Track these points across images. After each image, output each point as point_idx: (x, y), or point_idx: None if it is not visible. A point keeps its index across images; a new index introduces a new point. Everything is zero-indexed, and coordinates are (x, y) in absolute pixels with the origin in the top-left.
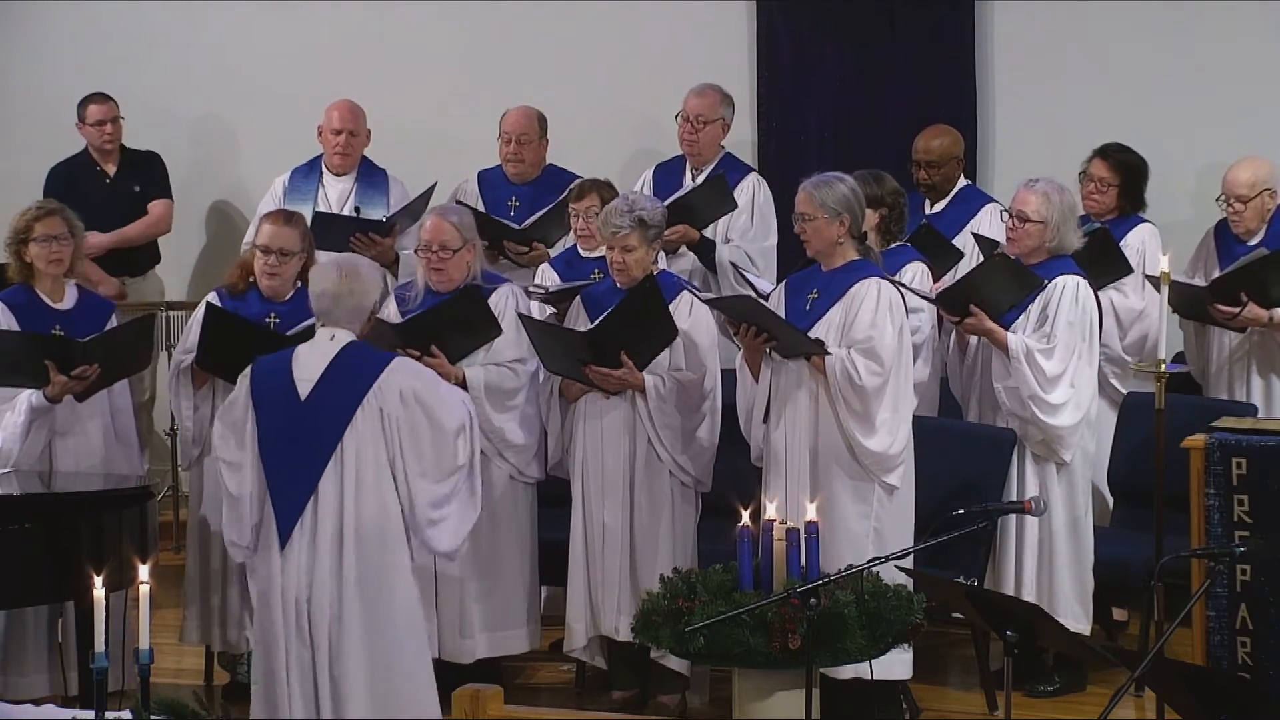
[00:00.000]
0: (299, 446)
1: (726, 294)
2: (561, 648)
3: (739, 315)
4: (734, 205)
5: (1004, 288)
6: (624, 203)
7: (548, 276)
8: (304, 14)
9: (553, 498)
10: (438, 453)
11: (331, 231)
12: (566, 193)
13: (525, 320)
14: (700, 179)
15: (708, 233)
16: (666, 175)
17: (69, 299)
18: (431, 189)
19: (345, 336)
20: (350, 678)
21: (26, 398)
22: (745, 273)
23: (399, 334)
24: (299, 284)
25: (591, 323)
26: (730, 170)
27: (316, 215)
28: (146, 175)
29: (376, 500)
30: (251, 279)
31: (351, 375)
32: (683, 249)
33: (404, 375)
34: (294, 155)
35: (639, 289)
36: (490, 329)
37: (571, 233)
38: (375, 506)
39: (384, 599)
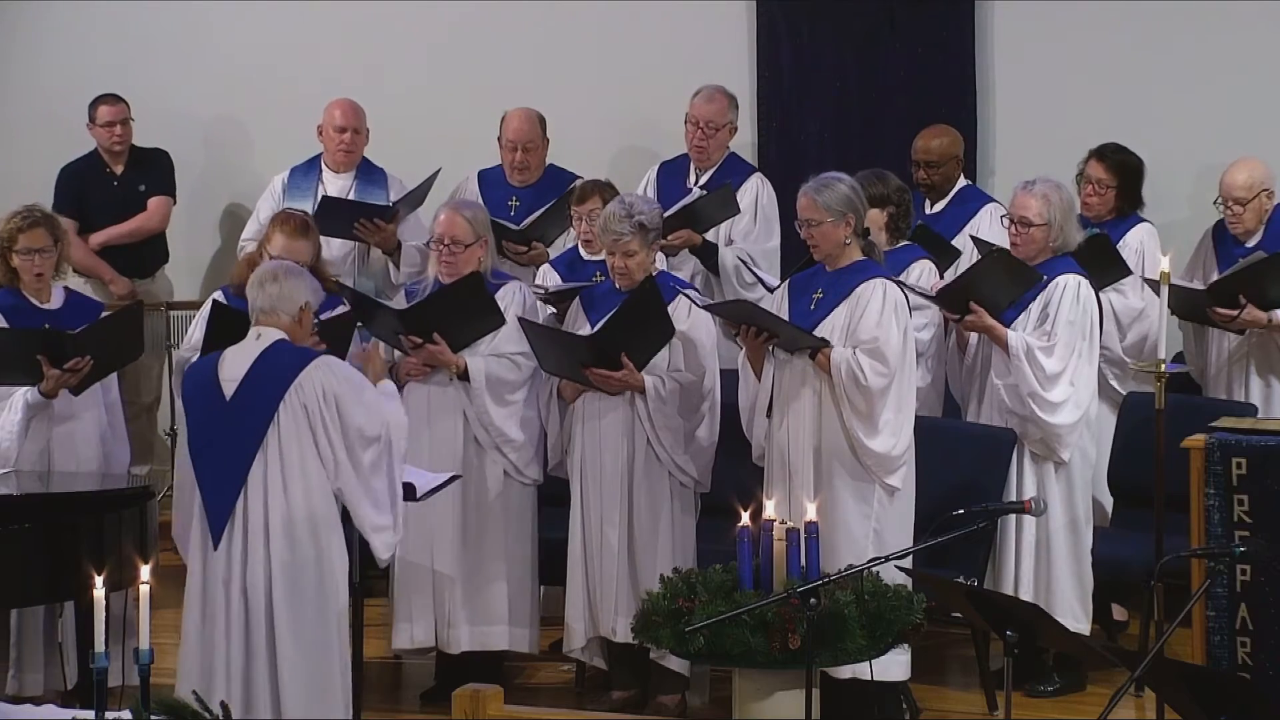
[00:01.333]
0: (225, 447)
1: (725, 299)
2: (561, 648)
3: (736, 318)
4: (737, 211)
5: (1003, 284)
6: (622, 208)
7: (549, 278)
8: (311, 14)
9: (554, 498)
10: (350, 458)
11: (337, 216)
12: (566, 192)
13: (524, 323)
14: (704, 179)
15: (710, 235)
16: (670, 175)
17: (56, 299)
18: (434, 175)
19: (271, 335)
20: (280, 670)
21: (22, 395)
22: (754, 268)
23: (401, 320)
24: None
25: (590, 324)
26: (734, 171)
27: (324, 200)
28: (151, 173)
29: (305, 492)
30: None
31: (273, 374)
32: (684, 252)
33: (325, 374)
34: (306, 155)
35: (641, 291)
36: (493, 318)
37: (572, 233)
38: (305, 498)
39: (317, 588)
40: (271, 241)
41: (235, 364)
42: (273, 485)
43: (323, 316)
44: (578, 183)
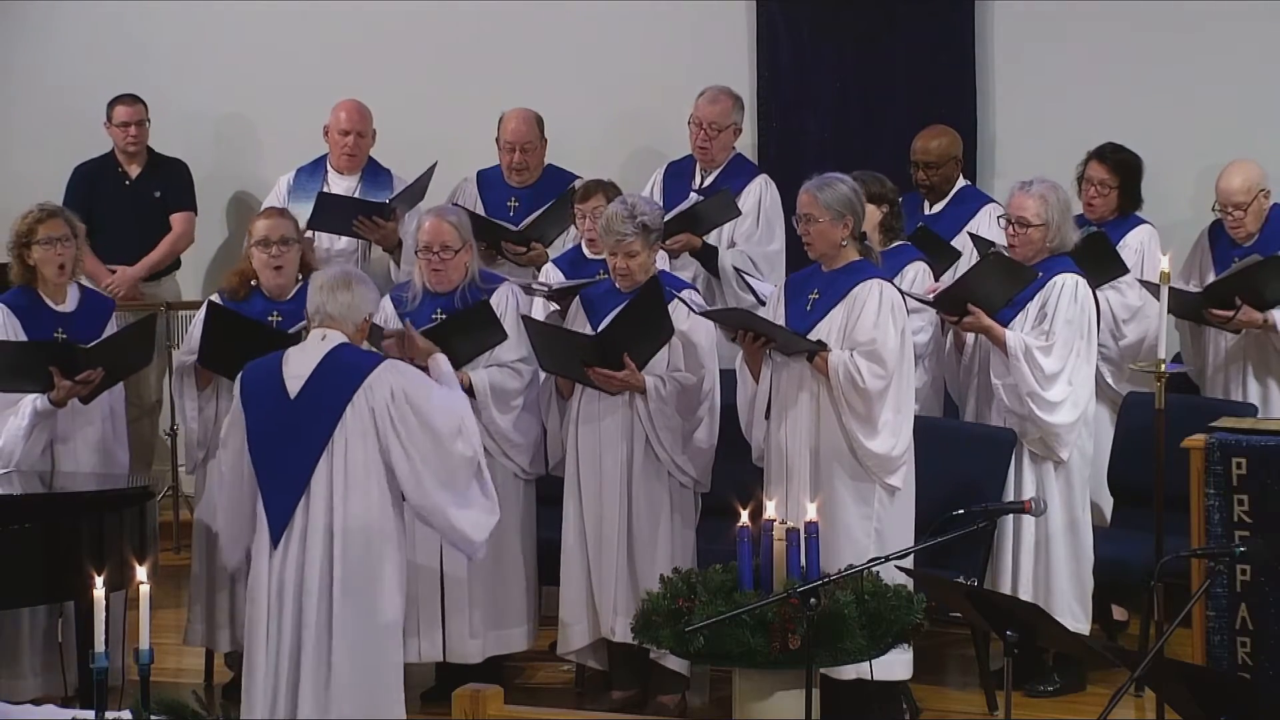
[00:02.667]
0: (289, 445)
1: (724, 304)
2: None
3: (734, 324)
4: (737, 214)
5: (999, 284)
6: (624, 208)
7: (553, 275)
8: (317, 14)
9: (553, 497)
10: (438, 455)
11: (335, 213)
12: (565, 192)
13: (527, 321)
14: (709, 180)
15: (711, 237)
16: (676, 176)
17: (70, 300)
18: (432, 169)
19: (336, 337)
20: (329, 678)
21: (31, 402)
22: (746, 275)
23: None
24: (300, 279)
25: (590, 323)
26: (739, 172)
27: (320, 196)
28: (169, 182)
29: (364, 499)
30: (253, 283)
31: (342, 373)
32: (685, 255)
33: (394, 375)
34: (312, 155)
35: (647, 291)
36: (496, 335)
37: (573, 231)
38: (363, 505)
39: (368, 598)
40: (254, 231)
41: (300, 362)
42: (336, 488)
43: None
44: (577, 181)
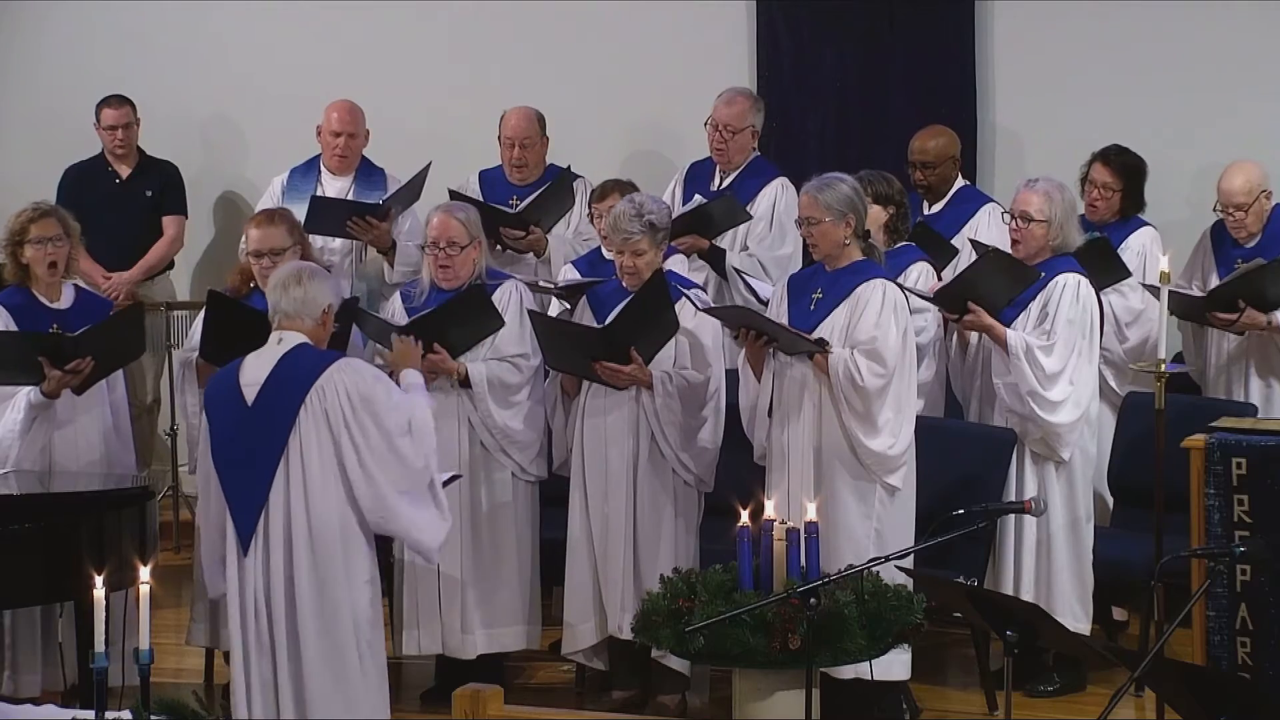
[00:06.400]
0: (249, 453)
1: (728, 304)
2: (561, 648)
3: (737, 322)
4: (747, 218)
5: (1000, 283)
6: (631, 207)
7: (569, 275)
8: (310, 14)
9: (558, 498)
10: (391, 454)
11: (328, 215)
12: (562, 175)
13: (533, 316)
14: (728, 181)
15: (725, 238)
16: (696, 177)
17: (66, 299)
18: (426, 169)
19: (294, 338)
20: (304, 681)
21: (25, 395)
22: (746, 276)
23: (403, 334)
24: None
25: (596, 321)
26: (758, 173)
27: (314, 199)
28: (161, 184)
29: (326, 500)
30: (253, 284)
31: (294, 377)
32: (694, 257)
33: (347, 374)
34: (303, 156)
35: (652, 285)
36: (493, 322)
37: (574, 221)
38: (325, 506)
39: (337, 601)
40: (248, 239)
41: (256, 369)
42: (294, 492)
43: None
44: (577, 182)
